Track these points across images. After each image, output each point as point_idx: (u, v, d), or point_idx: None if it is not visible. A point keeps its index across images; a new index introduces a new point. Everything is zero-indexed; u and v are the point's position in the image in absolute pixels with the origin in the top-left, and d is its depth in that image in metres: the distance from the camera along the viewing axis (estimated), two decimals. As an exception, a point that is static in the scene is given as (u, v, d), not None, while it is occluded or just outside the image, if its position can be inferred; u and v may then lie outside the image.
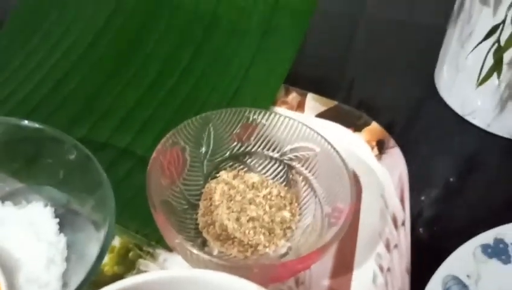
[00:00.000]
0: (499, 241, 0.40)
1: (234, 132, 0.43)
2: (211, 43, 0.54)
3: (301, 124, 0.42)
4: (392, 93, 0.57)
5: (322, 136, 0.41)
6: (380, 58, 0.61)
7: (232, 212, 0.40)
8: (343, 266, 0.40)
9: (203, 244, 0.39)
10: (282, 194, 0.42)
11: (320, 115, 0.50)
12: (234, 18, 0.54)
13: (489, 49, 0.44)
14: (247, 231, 0.39)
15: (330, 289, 0.39)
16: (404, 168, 0.46)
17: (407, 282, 0.39)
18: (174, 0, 0.55)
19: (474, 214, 0.47)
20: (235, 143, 0.43)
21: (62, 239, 0.37)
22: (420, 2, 0.69)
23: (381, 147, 0.48)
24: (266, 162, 0.44)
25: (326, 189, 0.41)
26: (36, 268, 0.35)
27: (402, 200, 0.44)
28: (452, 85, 0.54)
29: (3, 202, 0.39)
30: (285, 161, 0.43)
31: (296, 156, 0.43)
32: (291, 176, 0.43)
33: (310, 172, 0.42)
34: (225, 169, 0.43)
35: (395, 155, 0.47)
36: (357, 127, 0.49)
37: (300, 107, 0.51)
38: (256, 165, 0.44)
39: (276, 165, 0.44)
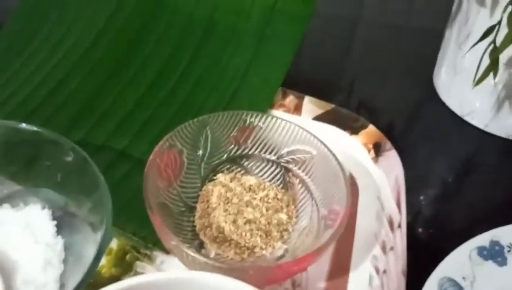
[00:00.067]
0: (494, 243, 0.40)
1: (231, 134, 0.43)
2: (208, 47, 0.54)
3: (298, 127, 0.43)
4: (391, 96, 0.57)
5: (318, 139, 0.42)
6: (377, 61, 0.61)
7: (229, 214, 0.40)
8: (340, 268, 0.40)
9: (200, 247, 0.39)
10: (279, 196, 0.42)
11: (317, 118, 0.50)
12: (231, 22, 0.55)
13: (485, 50, 0.44)
14: (244, 233, 0.39)
15: (326, 291, 0.39)
16: (401, 171, 0.46)
17: (403, 284, 0.39)
18: (171, 4, 0.55)
19: (472, 215, 0.47)
20: (232, 146, 0.44)
21: (59, 241, 0.37)
22: (418, 6, 0.69)
23: (377, 149, 0.48)
24: (263, 164, 0.44)
25: (323, 191, 0.41)
26: (33, 270, 0.35)
27: (398, 203, 0.44)
28: (450, 86, 0.54)
29: (1, 204, 0.39)
30: (282, 164, 0.44)
31: (292, 158, 0.43)
32: (288, 178, 0.43)
33: (306, 175, 0.42)
34: (222, 171, 0.43)
35: (392, 158, 0.47)
36: (354, 130, 0.49)
37: (297, 110, 0.51)
38: (253, 168, 0.44)
39: (273, 168, 0.44)
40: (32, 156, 0.40)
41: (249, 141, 0.44)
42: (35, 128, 0.39)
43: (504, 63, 0.48)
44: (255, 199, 0.41)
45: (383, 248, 0.42)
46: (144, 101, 0.50)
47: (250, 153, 0.44)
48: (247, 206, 0.41)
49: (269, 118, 0.43)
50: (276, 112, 0.50)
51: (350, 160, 0.46)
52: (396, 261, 0.40)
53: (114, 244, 0.40)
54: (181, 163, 0.41)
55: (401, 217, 0.43)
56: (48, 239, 0.37)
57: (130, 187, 0.42)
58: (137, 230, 0.40)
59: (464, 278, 0.38)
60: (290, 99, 0.51)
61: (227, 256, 0.39)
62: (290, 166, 0.43)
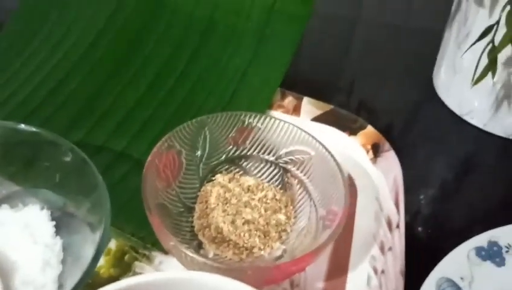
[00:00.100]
0: (493, 244, 0.40)
1: (230, 135, 0.43)
2: (208, 47, 0.54)
3: (296, 127, 0.43)
4: (390, 96, 0.57)
5: (317, 140, 0.42)
6: (376, 61, 0.61)
7: (228, 215, 0.40)
8: (338, 269, 0.40)
9: (198, 247, 0.39)
10: (277, 197, 0.42)
11: (316, 119, 0.50)
12: (231, 22, 0.55)
13: (484, 49, 0.44)
14: (242, 234, 0.40)
15: (325, 291, 0.39)
16: (399, 172, 0.46)
17: (401, 284, 0.39)
18: (171, 4, 0.56)
19: (471, 215, 0.48)
20: (231, 146, 0.44)
21: (58, 242, 0.37)
22: (417, 6, 0.69)
23: (376, 150, 0.48)
24: (262, 165, 0.44)
25: (321, 192, 0.41)
26: (32, 271, 0.35)
27: (397, 203, 0.44)
28: (450, 86, 0.55)
29: (-1, 205, 0.39)
30: (280, 164, 0.44)
31: (291, 159, 0.43)
32: (286, 179, 0.43)
33: (305, 175, 0.42)
34: (221, 172, 0.43)
35: (390, 158, 0.47)
36: (353, 131, 0.49)
37: (296, 111, 0.51)
38: (252, 169, 0.44)
39: (272, 169, 0.44)
40: (31, 157, 0.40)
41: (248, 142, 0.44)
42: (33, 129, 0.39)
43: (503, 62, 0.48)
44: (253, 199, 0.42)
45: (381, 249, 0.42)
46: (144, 101, 0.50)
47: (248, 153, 0.44)
48: (245, 206, 0.41)
49: (268, 119, 0.43)
50: (275, 113, 0.50)
51: (348, 161, 0.46)
52: (395, 262, 0.40)
53: (113, 244, 0.40)
54: (180, 164, 0.41)
55: (399, 218, 0.43)
56: (47, 240, 0.37)
57: (129, 188, 0.42)
58: (136, 231, 0.40)
59: (462, 278, 0.38)
60: (289, 100, 0.51)
61: (226, 256, 0.39)
62: (289, 167, 0.43)
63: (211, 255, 0.39)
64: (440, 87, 0.56)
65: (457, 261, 0.39)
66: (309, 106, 0.51)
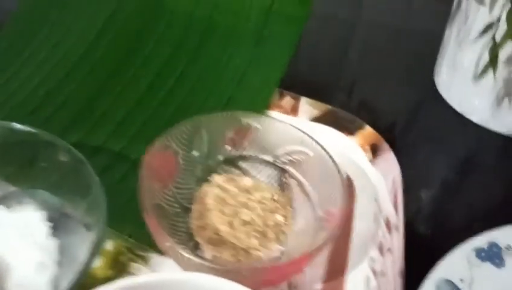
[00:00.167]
0: (492, 245, 0.40)
1: (227, 135, 0.43)
2: (207, 48, 0.54)
3: (295, 128, 0.42)
4: (390, 97, 0.57)
5: (315, 140, 0.42)
6: (377, 62, 0.61)
7: (225, 216, 0.40)
8: (336, 270, 0.40)
9: (195, 248, 0.39)
10: (275, 197, 0.42)
11: (314, 119, 0.50)
12: (230, 23, 0.55)
13: (485, 47, 0.44)
14: (240, 235, 0.39)
15: (323, 293, 0.39)
16: (398, 172, 0.46)
17: (400, 285, 0.39)
18: (171, 5, 0.56)
19: (471, 215, 0.47)
20: (229, 147, 0.44)
21: (54, 243, 0.37)
22: (416, 7, 0.69)
23: (374, 151, 0.48)
24: (259, 166, 0.44)
25: (319, 193, 0.41)
26: (27, 272, 0.35)
27: (395, 204, 0.44)
28: (451, 84, 0.55)
29: (-4, 205, 0.39)
30: (278, 165, 0.43)
31: (289, 160, 0.43)
32: (284, 179, 0.43)
33: (303, 176, 0.42)
34: (218, 173, 0.43)
35: (389, 159, 0.47)
36: (351, 131, 0.49)
37: (294, 111, 0.51)
38: (250, 169, 0.44)
39: (270, 169, 0.44)
40: (28, 158, 0.40)
41: (245, 142, 0.44)
42: (30, 130, 0.39)
43: (503, 61, 0.48)
44: (251, 200, 0.41)
45: (380, 250, 0.41)
46: (144, 101, 0.50)
47: (246, 154, 0.44)
48: (243, 207, 0.41)
49: (266, 119, 0.43)
50: (273, 113, 0.50)
51: (347, 161, 0.46)
52: (394, 263, 0.40)
53: (109, 245, 0.40)
54: (176, 164, 0.41)
55: (398, 219, 0.43)
56: (42, 241, 0.37)
57: (126, 189, 0.42)
58: (133, 232, 0.40)
59: (461, 280, 0.38)
60: (287, 101, 0.51)
61: (223, 257, 0.39)
62: (287, 167, 0.43)
63: (207, 256, 0.39)
64: (441, 85, 0.56)
65: (456, 263, 0.39)
66: (307, 106, 0.51)
